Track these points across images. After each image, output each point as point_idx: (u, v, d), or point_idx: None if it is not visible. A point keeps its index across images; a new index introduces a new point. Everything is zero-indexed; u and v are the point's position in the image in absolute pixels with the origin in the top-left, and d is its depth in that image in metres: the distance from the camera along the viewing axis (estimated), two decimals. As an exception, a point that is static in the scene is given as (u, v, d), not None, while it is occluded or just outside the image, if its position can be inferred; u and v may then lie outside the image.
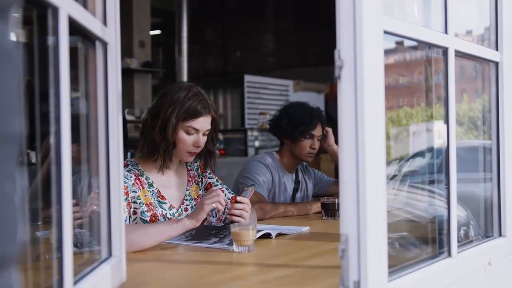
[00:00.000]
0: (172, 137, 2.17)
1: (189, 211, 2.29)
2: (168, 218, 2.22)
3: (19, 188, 0.57)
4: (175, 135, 2.17)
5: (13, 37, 0.58)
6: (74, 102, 1.12)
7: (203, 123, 2.21)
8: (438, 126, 1.90)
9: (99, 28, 1.28)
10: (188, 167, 2.41)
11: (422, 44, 1.60)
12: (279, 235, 2.18)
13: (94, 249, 1.41)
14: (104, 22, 1.35)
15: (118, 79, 1.39)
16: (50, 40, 1.02)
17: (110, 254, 1.37)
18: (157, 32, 10.12)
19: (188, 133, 2.19)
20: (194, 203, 2.34)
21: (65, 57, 1.02)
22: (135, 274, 1.55)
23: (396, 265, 1.34)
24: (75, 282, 1.10)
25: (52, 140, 1.01)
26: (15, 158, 0.57)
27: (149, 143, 2.20)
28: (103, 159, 1.36)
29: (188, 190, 2.35)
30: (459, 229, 1.64)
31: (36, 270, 1.24)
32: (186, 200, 2.33)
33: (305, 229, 2.36)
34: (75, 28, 1.12)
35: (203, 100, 2.21)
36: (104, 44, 1.35)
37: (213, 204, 1.98)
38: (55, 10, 1.00)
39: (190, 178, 2.38)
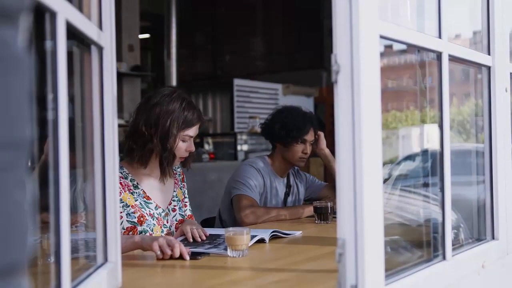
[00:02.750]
0: (173, 147, 2.25)
1: (177, 211, 2.38)
2: (156, 217, 2.27)
3: (29, 195, 0.57)
4: (175, 145, 2.25)
5: (22, 43, 0.58)
6: (68, 106, 1.12)
7: (196, 129, 2.32)
8: (428, 129, 1.91)
9: (95, 32, 1.28)
10: (173, 170, 2.47)
11: (411, 48, 1.62)
12: (274, 237, 2.19)
13: (89, 254, 1.40)
14: (100, 26, 1.34)
15: (113, 83, 1.39)
16: (48, 44, 1.01)
17: (106, 259, 1.36)
18: (146, 35, 10.10)
19: (183, 140, 2.28)
20: (181, 204, 2.43)
21: (63, 61, 1.02)
22: (131, 279, 1.54)
23: (392, 268, 1.34)
24: (72, 288, 1.09)
25: (50, 144, 1.00)
26: (25, 165, 0.57)
27: (147, 153, 2.25)
28: (99, 164, 1.36)
29: (175, 191, 2.42)
30: (450, 232, 1.65)
31: (32, 275, 1.23)
32: (174, 200, 2.40)
33: (298, 233, 2.36)
34: (71, 32, 1.11)
35: (196, 108, 2.33)
36: (100, 49, 1.34)
37: (158, 252, 1.82)
38: (53, 14, 0.99)
39: (176, 181, 2.46)
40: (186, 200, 2.51)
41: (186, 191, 2.52)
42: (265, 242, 2.12)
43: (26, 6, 0.59)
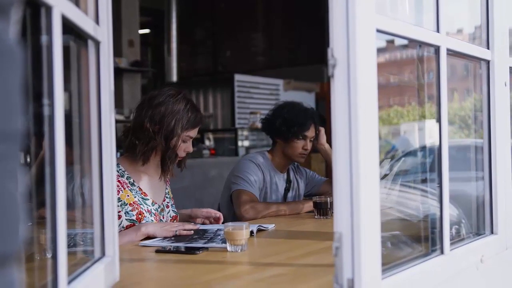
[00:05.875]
0: (177, 146, 2.29)
1: (170, 208, 2.44)
2: (153, 213, 2.31)
3: (21, 186, 0.57)
4: (178, 144, 2.29)
5: (14, 35, 0.58)
6: (66, 102, 1.11)
7: (196, 131, 2.38)
8: (429, 125, 1.91)
9: (91, 27, 1.28)
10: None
11: (413, 43, 1.61)
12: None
13: (87, 249, 1.40)
14: (97, 21, 1.34)
15: (110, 78, 1.39)
16: (43, 39, 1.01)
17: (103, 253, 1.36)
18: (146, 31, 10.10)
19: (184, 141, 2.33)
20: (172, 201, 2.49)
21: (59, 56, 1.02)
22: (128, 274, 1.55)
23: (390, 263, 1.34)
24: (69, 282, 1.09)
25: (46, 140, 1.00)
26: (17, 156, 0.57)
27: (150, 150, 2.28)
28: (96, 159, 1.36)
29: (167, 189, 2.48)
30: (451, 228, 1.64)
31: (28, 270, 1.23)
32: (167, 197, 2.45)
33: (271, 226, 2.39)
34: (67, 27, 1.11)
35: (199, 110, 2.38)
36: (97, 43, 1.34)
37: (177, 232, 2.13)
38: (49, 8, 0.99)
39: (167, 180, 2.50)
40: (171, 201, 2.55)
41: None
42: (253, 236, 2.13)
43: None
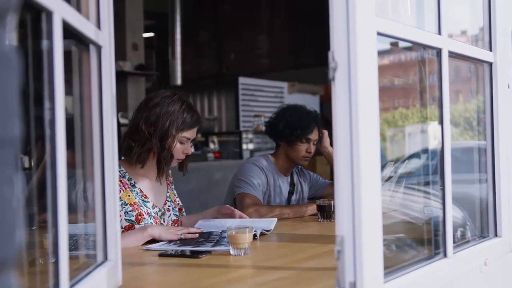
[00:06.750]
0: (172, 147, 2.28)
1: (171, 212, 2.44)
2: (153, 216, 2.31)
3: (18, 192, 0.58)
4: (173, 145, 2.28)
5: (10, 41, 0.58)
6: (68, 106, 1.12)
7: (194, 132, 2.36)
8: (434, 127, 1.90)
9: (92, 31, 1.28)
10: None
11: (416, 45, 1.61)
12: (262, 234, 2.23)
13: (90, 253, 1.40)
14: (98, 25, 1.35)
15: (112, 82, 1.39)
16: (44, 43, 1.02)
17: (105, 258, 1.37)
18: (151, 34, 10.11)
19: (181, 142, 2.32)
20: (174, 205, 2.47)
21: (59, 61, 1.02)
22: (131, 278, 1.55)
23: (392, 266, 1.34)
24: (71, 286, 1.09)
25: (47, 144, 1.01)
26: (14, 162, 0.58)
27: (146, 151, 2.28)
28: (98, 163, 1.36)
29: (168, 192, 2.47)
30: (455, 230, 1.64)
31: (31, 274, 1.24)
32: (168, 201, 2.45)
33: (274, 221, 2.40)
34: (69, 32, 1.12)
35: (195, 112, 2.37)
36: (98, 48, 1.34)
37: (182, 236, 2.14)
38: (49, 14, 0.99)
39: (169, 183, 2.50)
40: (178, 200, 2.55)
41: (175, 192, 2.56)
42: (256, 239, 2.14)
43: (14, 5, 0.59)
